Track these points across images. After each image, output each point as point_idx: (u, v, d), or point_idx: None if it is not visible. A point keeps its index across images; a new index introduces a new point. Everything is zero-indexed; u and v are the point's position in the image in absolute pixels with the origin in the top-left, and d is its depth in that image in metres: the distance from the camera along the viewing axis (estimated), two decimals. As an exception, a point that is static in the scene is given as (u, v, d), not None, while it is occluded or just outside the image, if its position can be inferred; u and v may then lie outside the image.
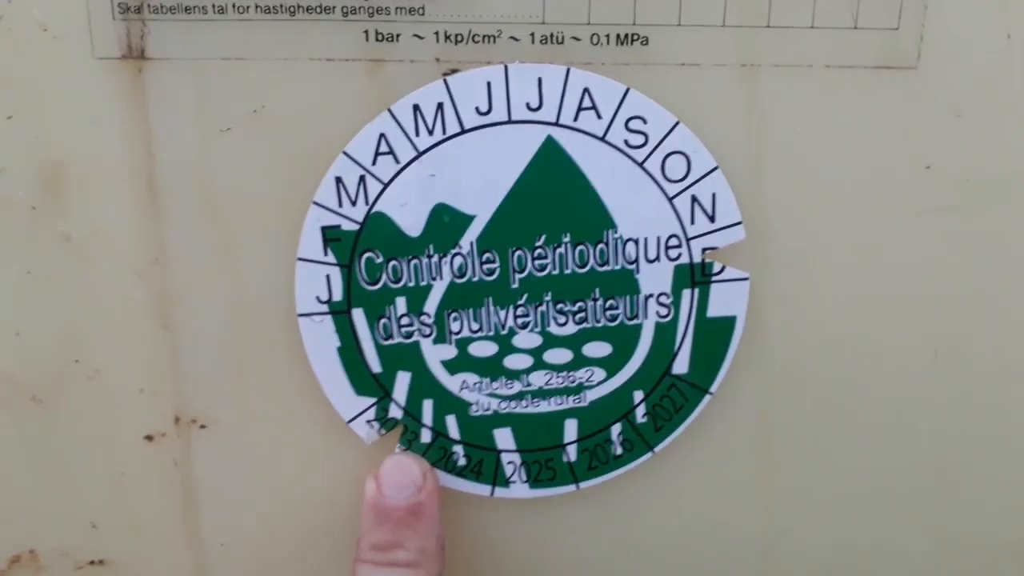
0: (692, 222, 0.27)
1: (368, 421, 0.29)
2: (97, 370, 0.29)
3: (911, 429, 0.30)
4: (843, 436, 0.30)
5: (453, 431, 0.29)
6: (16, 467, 0.31)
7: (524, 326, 0.28)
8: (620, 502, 0.30)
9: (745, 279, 0.28)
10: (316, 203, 0.27)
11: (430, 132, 0.26)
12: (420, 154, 0.27)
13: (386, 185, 0.27)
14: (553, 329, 0.28)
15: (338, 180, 0.27)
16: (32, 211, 0.28)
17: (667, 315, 0.28)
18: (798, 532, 0.31)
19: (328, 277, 0.28)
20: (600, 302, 0.28)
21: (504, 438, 0.29)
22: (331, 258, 0.27)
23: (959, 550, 0.32)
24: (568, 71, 0.26)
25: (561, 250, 0.28)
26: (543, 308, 0.28)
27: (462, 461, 0.30)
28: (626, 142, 0.27)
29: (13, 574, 0.33)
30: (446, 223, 0.27)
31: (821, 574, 0.32)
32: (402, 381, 0.29)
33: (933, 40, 0.26)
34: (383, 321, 0.28)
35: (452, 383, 0.29)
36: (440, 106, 0.26)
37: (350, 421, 0.29)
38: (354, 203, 0.27)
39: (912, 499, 0.31)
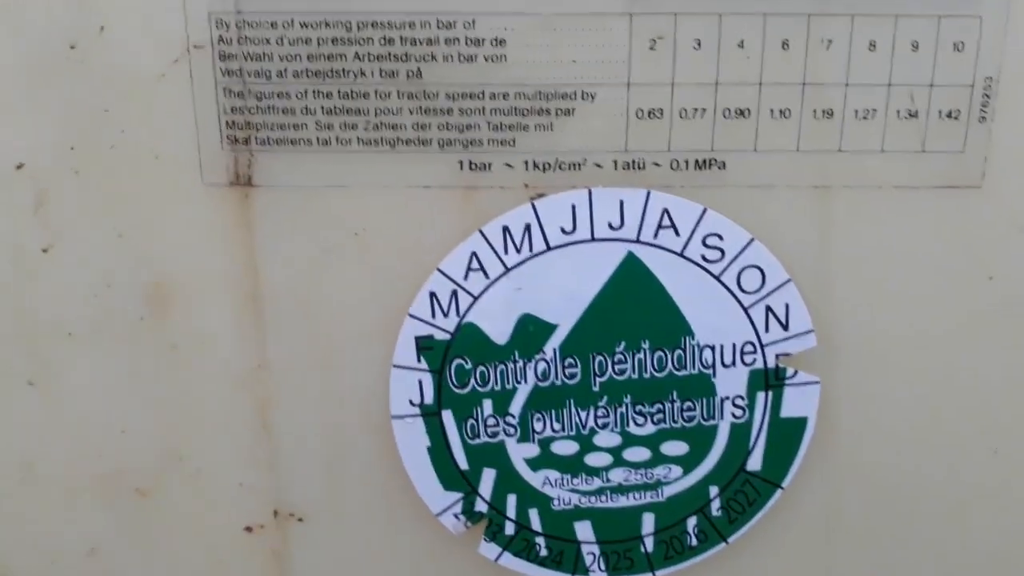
0: (767, 330, 0.29)
1: (455, 515, 0.31)
2: (199, 467, 0.31)
3: (971, 524, 0.31)
4: (906, 529, 0.31)
5: (535, 524, 0.31)
6: (119, 556, 0.33)
7: (604, 426, 0.30)
8: (695, 590, 0.32)
9: (816, 383, 0.29)
10: (412, 315, 0.28)
11: (518, 250, 0.28)
12: (508, 270, 0.28)
13: (476, 298, 0.28)
14: (632, 429, 0.30)
15: (432, 295, 0.28)
16: (140, 321, 0.30)
17: (742, 416, 0.30)
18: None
19: (420, 382, 0.29)
20: (677, 404, 0.30)
21: (584, 530, 0.31)
22: (424, 365, 0.29)
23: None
24: (648, 193, 0.28)
25: (640, 356, 0.29)
26: (623, 409, 0.30)
27: (544, 552, 0.31)
28: (703, 257, 0.28)
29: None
30: (531, 332, 0.29)
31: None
32: (488, 477, 0.30)
33: (996, 162, 0.27)
34: (471, 422, 0.30)
35: (535, 479, 0.30)
36: (528, 227, 0.28)
37: (439, 515, 0.31)
38: (446, 315, 0.29)
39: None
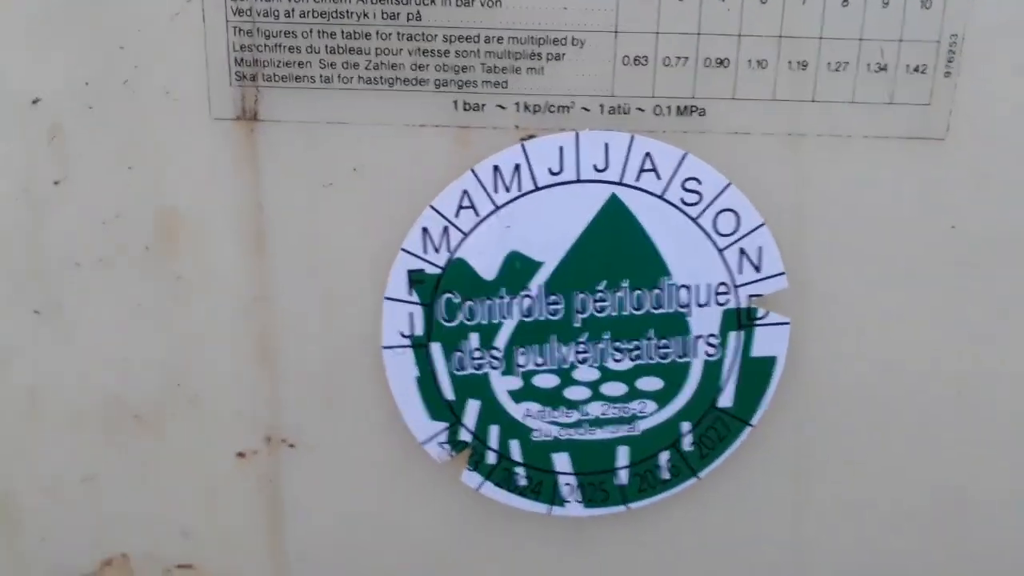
0: (740, 272, 0.30)
1: (440, 443, 0.32)
2: (197, 394, 0.32)
3: (934, 460, 0.33)
4: (871, 465, 0.33)
5: (516, 454, 0.32)
6: (115, 479, 0.34)
7: (584, 361, 0.31)
8: (666, 522, 0.33)
9: (786, 323, 0.31)
10: (404, 249, 0.30)
11: (507, 189, 0.30)
12: (498, 208, 0.30)
13: (466, 235, 0.30)
14: (610, 365, 0.31)
15: (424, 230, 0.30)
16: (146, 251, 0.31)
17: (715, 354, 0.31)
18: (827, 553, 0.34)
19: (411, 314, 0.31)
20: (654, 341, 0.31)
21: (562, 462, 0.32)
22: (415, 298, 0.31)
23: (976, 571, 0.34)
24: (632, 137, 0.29)
25: (620, 294, 0.31)
26: (602, 346, 0.31)
27: (523, 481, 0.33)
28: (682, 200, 0.30)
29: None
30: (518, 269, 0.30)
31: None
32: (472, 408, 0.32)
33: (960, 115, 0.29)
34: (457, 354, 0.31)
35: (517, 411, 0.32)
36: (517, 167, 0.29)
37: (424, 443, 0.32)
38: (438, 250, 0.30)
39: (933, 523, 0.34)
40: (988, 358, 0.31)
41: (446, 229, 0.30)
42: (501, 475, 0.33)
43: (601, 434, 0.32)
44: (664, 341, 0.31)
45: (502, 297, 0.31)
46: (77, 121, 0.30)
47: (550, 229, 0.30)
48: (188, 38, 0.29)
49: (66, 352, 0.32)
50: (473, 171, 0.29)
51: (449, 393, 0.32)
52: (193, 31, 0.28)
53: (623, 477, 0.33)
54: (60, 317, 0.32)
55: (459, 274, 0.30)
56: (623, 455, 0.33)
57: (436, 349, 0.31)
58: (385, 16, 0.28)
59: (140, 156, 0.30)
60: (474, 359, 0.31)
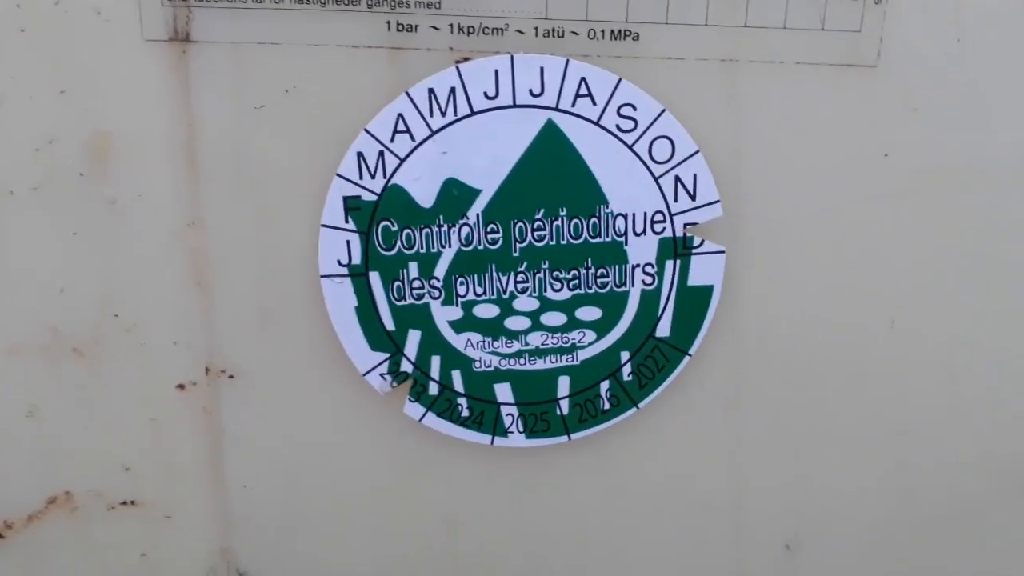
0: (675, 200, 0.31)
1: (381, 374, 0.32)
2: (135, 324, 0.32)
3: (870, 390, 0.33)
4: (807, 395, 0.33)
5: (458, 385, 0.32)
6: (54, 414, 0.34)
7: (523, 291, 0.32)
8: (607, 452, 0.34)
9: (722, 252, 0.31)
10: (339, 175, 0.30)
11: (443, 113, 0.29)
12: (433, 133, 0.30)
13: (402, 160, 0.30)
14: (549, 294, 0.32)
15: (359, 155, 0.30)
16: (80, 177, 0.31)
17: (652, 283, 0.31)
18: (764, 481, 0.34)
19: (348, 243, 0.31)
20: (592, 271, 0.31)
21: (504, 392, 0.33)
22: (351, 225, 0.30)
23: (912, 503, 0.35)
24: (567, 62, 0.29)
25: (558, 223, 0.31)
26: (541, 275, 0.31)
27: (465, 412, 0.33)
28: (618, 126, 0.30)
29: (49, 514, 0.35)
30: (455, 196, 0.30)
31: (784, 519, 0.35)
32: (413, 338, 0.32)
33: (891, 42, 0.29)
34: (396, 284, 0.31)
35: (458, 341, 0.32)
36: (452, 90, 0.29)
37: (365, 374, 0.32)
38: (373, 176, 0.30)
39: (870, 454, 0.34)
40: (920, 284, 0.32)
41: (381, 154, 0.30)
42: (443, 406, 0.33)
43: (542, 364, 0.32)
44: (602, 270, 0.31)
45: (440, 225, 0.31)
46: (8, 45, 0.29)
47: (487, 155, 0.30)
48: (119, -42, 0.28)
49: (1, 283, 0.32)
50: (408, 94, 0.29)
51: (389, 323, 0.32)
52: (124, -49, 0.28)
53: (564, 407, 0.33)
54: (-5, 248, 0.32)
55: (396, 201, 0.30)
56: (564, 385, 0.33)
57: (375, 278, 0.31)
58: (318, -64, 0.28)
59: (72, 80, 0.30)
60: (414, 289, 0.31)
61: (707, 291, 0.32)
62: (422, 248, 0.31)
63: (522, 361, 0.32)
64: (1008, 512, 0.35)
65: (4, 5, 0.29)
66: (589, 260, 0.31)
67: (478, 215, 0.31)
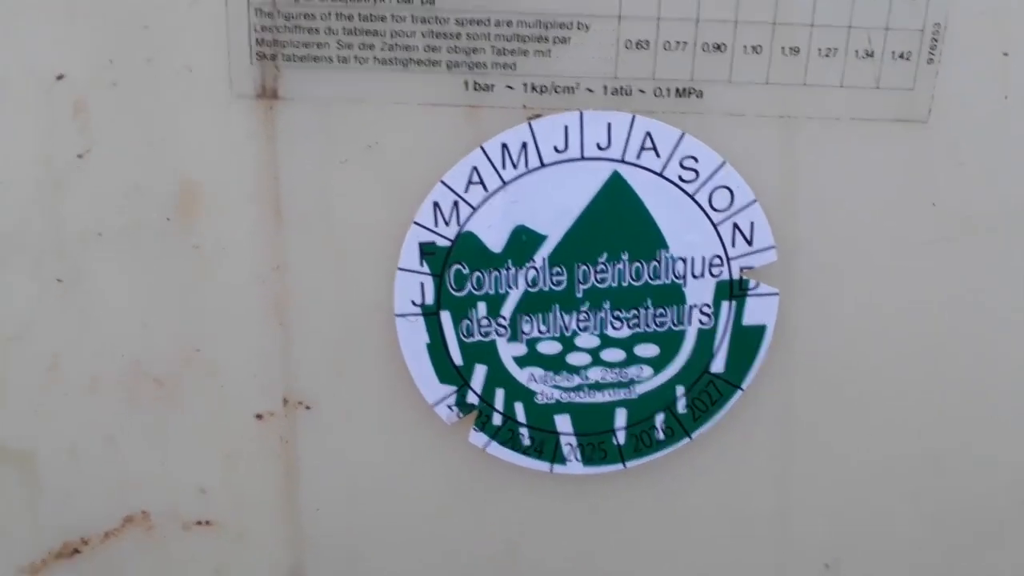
0: (733, 245, 0.32)
1: (449, 406, 0.34)
2: (216, 358, 0.34)
3: (913, 426, 0.35)
4: (854, 430, 0.35)
5: (520, 416, 0.34)
6: (135, 440, 0.35)
7: (585, 329, 0.33)
8: (660, 480, 0.36)
9: (775, 294, 0.33)
10: (416, 223, 0.32)
11: (514, 166, 0.31)
12: (505, 184, 0.31)
13: (475, 209, 0.32)
14: (610, 332, 0.33)
15: (435, 204, 0.31)
16: (166, 222, 0.32)
17: (708, 323, 0.33)
18: (806, 506, 0.36)
19: (422, 284, 0.32)
20: (651, 310, 0.33)
21: (563, 423, 0.34)
22: (426, 269, 0.32)
23: (946, 527, 0.37)
24: (633, 117, 0.31)
25: (620, 266, 0.33)
26: (602, 314, 0.33)
27: (527, 441, 0.35)
28: (680, 177, 0.31)
29: (125, 531, 0.37)
30: (524, 241, 0.32)
31: (824, 541, 0.37)
32: (479, 373, 0.34)
33: (942, 100, 0.31)
34: (466, 322, 0.33)
35: (521, 375, 0.34)
36: (524, 145, 0.31)
37: (434, 405, 0.34)
38: (448, 224, 0.32)
39: (907, 481, 0.36)
40: (964, 326, 0.34)
41: (456, 204, 0.31)
42: (506, 435, 0.35)
43: (600, 397, 0.34)
44: (660, 310, 0.33)
45: (508, 268, 0.32)
46: (101, 97, 0.31)
47: (554, 204, 0.32)
48: (210, 18, 0.30)
49: (87, 319, 0.34)
50: (482, 148, 0.31)
51: (458, 358, 0.33)
52: (215, 11, 0.30)
53: (621, 437, 0.35)
54: (82, 285, 0.33)
55: (468, 246, 0.32)
56: (621, 417, 0.34)
57: (446, 317, 0.33)
58: (399, 0, 0.29)
59: (162, 131, 0.31)
60: (481, 327, 0.33)
61: (760, 330, 0.33)
62: (491, 289, 0.33)
63: (582, 394, 0.34)
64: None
65: (96, 59, 0.31)
66: (649, 300, 0.33)
67: (544, 259, 0.32)
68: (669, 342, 0.33)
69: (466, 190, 0.31)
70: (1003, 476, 0.36)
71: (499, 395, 0.34)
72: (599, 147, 0.31)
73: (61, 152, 0.32)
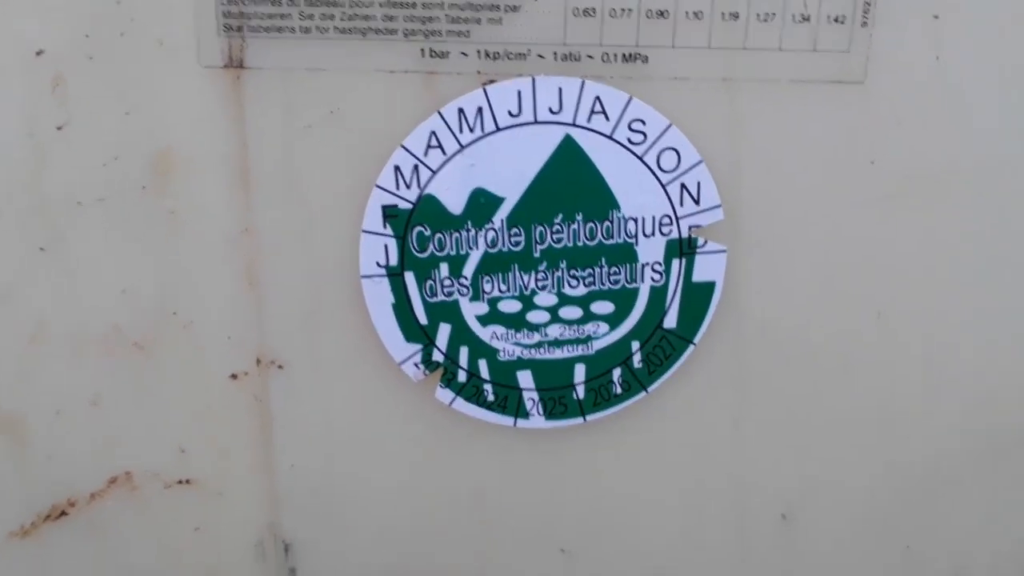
0: (681, 205, 0.34)
1: (415, 364, 0.36)
2: (191, 320, 0.36)
3: (858, 375, 0.36)
4: (802, 379, 0.36)
5: (484, 372, 0.36)
6: (117, 402, 0.37)
7: (543, 288, 0.35)
8: (619, 432, 0.37)
9: (723, 251, 0.34)
10: (378, 186, 0.33)
11: (471, 130, 0.33)
12: (463, 148, 0.33)
13: (435, 172, 0.33)
14: (567, 291, 0.35)
15: (396, 168, 0.33)
16: (142, 190, 0.34)
17: (660, 280, 0.35)
18: (763, 460, 0.38)
19: (386, 246, 0.34)
20: (605, 269, 0.35)
21: (525, 379, 0.36)
22: (389, 231, 0.34)
23: (896, 475, 0.38)
24: (583, 82, 0.32)
25: (575, 227, 0.34)
26: (559, 273, 0.35)
27: (491, 397, 0.36)
28: (629, 140, 0.33)
29: (110, 492, 0.39)
30: (482, 204, 0.34)
31: (780, 492, 0.38)
32: (444, 331, 0.35)
33: (877, 61, 0.32)
34: (429, 283, 0.34)
35: (484, 333, 0.35)
36: (480, 109, 0.32)
37: (401, 363, 0.35)
38: (409, 187, 0.33)
39: (857, 431, 0.37)
40: (905, 281, 0.35)
41: (416, 167, 0.33)
42: (471, 391, 0.36)
43: (560, 353, 0.36)
44: (614, 269, 0.35)
45: (468, 230, 0.34)
46: (78, 71, 0.32)
47: (511, 167, 0.33)
48: (179, -7, 0.31)
49: (69, 285, 0.35)
50: (440, 113, 0.32)
51: (422, 318, 0.35)
52: (183, -15, 0.31)
53: (580, 392, 0.36)
54: (64, 252, 0.35)
55: (429, 209, 0.34)
56: (580, 372, 0.36)
57: (410, 278, 0.34)
58: (358, -28, 0.31)
59: (136, 102, 0.33)
60: (444, 287, 0.35)
61: (710, 287, 0.35)
62: (452, 250, 0.34)
63: (542, 351, 0.36)
64: (982, 480, 0.38)
65: (73, 34, 0.32)
66: (603, 260, 0.34)
67: (503, 220, 0.34)
68: (623, 299, 0.35)
69: (425, 154, 0.33)
70: (946, 423, 0.37)
71: (463, 353, 0.36)
72: (551, 111, 0.33)
73: (42, 125, 0.33)
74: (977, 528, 0.39)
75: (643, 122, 0.33)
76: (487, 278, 0.35)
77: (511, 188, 0.33)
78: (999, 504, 0.39)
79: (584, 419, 0.37)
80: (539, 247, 0.34)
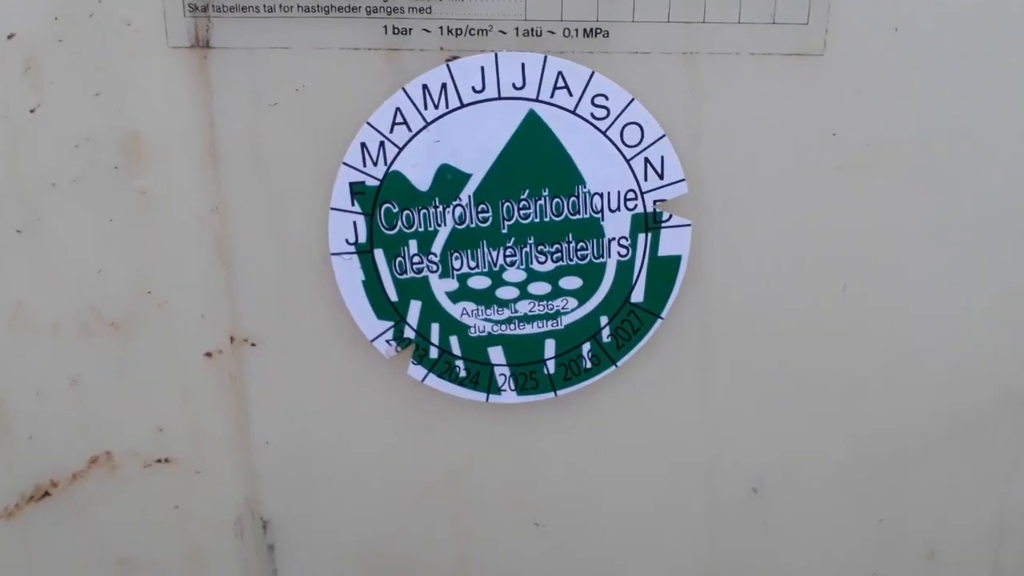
0: (645, 179, 0.34)
1: (387, 340, 0.36)
2: (166, 300, 0.36)
3: (825, 346, 0.37)
4: (769, 352, 0.37)
5: (456, 349, 0.36)
6: (95, 383, 0.38)
7: (512, 264, 0.35)
8: (590, 406, 0.37)
9: (688, 225, 0.35)
10: (345, 163, 0.34)
11: (436, 106, 0.33)
12: (428, 124, 0.33)
13: (401, 149, 0.34)
14: (535, 266, 0.35)
15: (363, 145, 0.33)
16: (114, 170, 0.34)
17: (626, 255, 0.35)
18: (731, 430, 0.38)
19: (355, 223, 0.34)
20: (573, 244, 0.35)
21: (496, 354, 0.36)
22: (357, 208, 0.34)
23: (864, 448, 0.39)
24: (546, 58, 0.33)
25: (541, 202, 0.34)
26: (527, 249, 0.35)
27: (463, 373, 0.37)
28: (592, 115, 0.33)
29: (91, 472, 0.40)
30: (449, 180, 0.34)
31: (751, 465, 0.39)
32: (414, 308, 0.36)
33: (836, 33, 0.32)
34: (399, 260, 0.35)
35: (454, 310, 0.36)
36: (444, 86, 0.33)
37: (372, 340, 0.36)
38: (375, 164, 0.34)
39: (825, 404, 0.38)
40: (868, 251, 0.35)
41: (382, 144, 0.33)
42: (443, 367, 0.37)
43: (530, 329, 0.36)
44: (582, 244, 0.35)
45: (436, 206, 0.34)
46: (49, 53, 0.33)
47: (476, 143, 0.34)
48: (145, -26, 0.32)
49: (46, 266, 0.36)
50: (404, 90, 0.33)
51: (393, 295, 0.35)
52: (149, -32, 0.32)
53: (551, 367, 0.37)
54: (39, 234, 0.35)
55: (396, 185, 0.34)
56: (550, 347, 0.36)
57: (379, 255, 0.35)
58: (320, -49, 0.31)
59: (106, 84, 0.33)
60: (414, 264, 0.35)
61: (676, 260, 0.35)
62: (420, 227, 0.35)
63: (512, 327, 0.36)
64: (951, 453, 0.39)
65: (43, 18, 0.33)
66: (570, 235, 0.35)
67: (470, 197, 0.34)
68: (591, 274, 0.35)
69: (391, 131, 0.33)
70: (912, 397, 0.38)
71: (435, 329, 0.36)
72: (515, 87, 0.33)
73: (14, 107, 0.34)
74: (948, 500, 0.40)
75: (606, 97, 0.33)
76: (456, 254, 0.35)
77: (477, 164, 0.34)
78: (969, 477, 0.39)
79: (555, 394, 0.37)
80: (507, 223, 0.35)
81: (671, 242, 0.35)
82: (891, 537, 0.40)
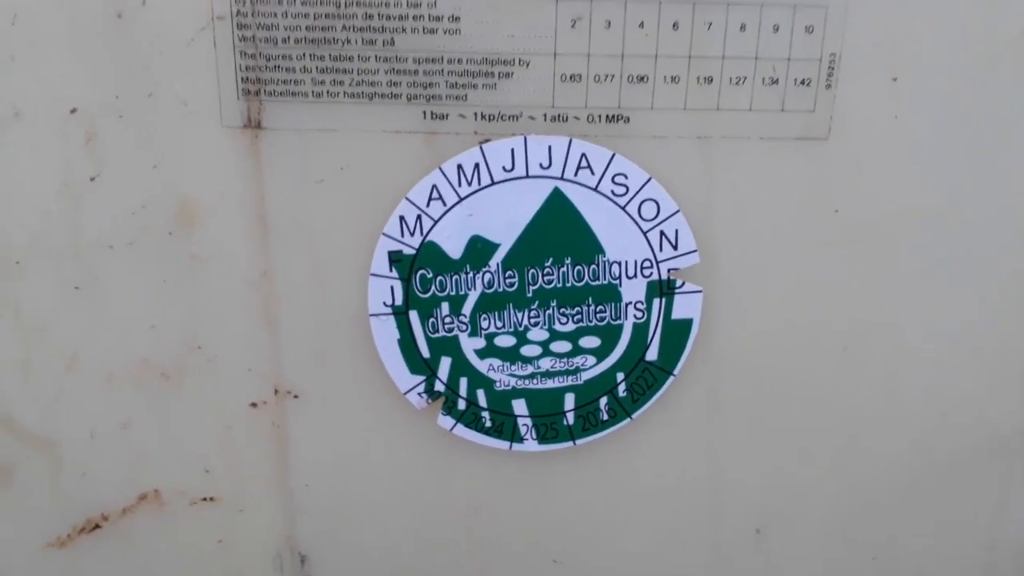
0: (661, 250, 0.37)
1: (419, 393, 0.39)
2: (215, 355, 0.39)
3: (825, 404, 0.40)
4: (773, 407, 0.39)
5: (482, 401, 0.39)
6: (147, 428, 0.40)
7: (536, 324, 0.38)
8: (606, 455, 0.40)
9: (699, 291, 0.38)
10: (385, 234, 0.36)
11: (469, 184, 0.36)
12: (461, 199, 0.36)
13: (436, 221, 0.36)
14: (557, 327, 0.38)
15: (401, 218, 0.36)
16: (168, 236, 0.37)
17: (642, 317, 0.38)
18: (736, 477, 0.41)
19: (392, 288, 0.37)
20: (592, 307, 0.38)
21: (520, 407, 0.39)
22: (395, 274, 0.37)
23: (860, 492, 0.41)
24: (571, 141, 0.35)
25: (564, 269, 0.37)
26: (550, 311, 0.38)
27: (488, 423, 0.39)
28: (612, 191, 0.36)
29: (140, 507, 0.42)
30: (479, 249, 0.37)
31: (754, 509, 0.42)
32: (445, 364, 0.38)
33: (840, 120, 0.35)
34: (431, 320, 0.38)
35: (482, 366, 0.38)
36: (477, 165, 0.36)
37: (405, 393, 0.39)
38: (412, 234, 0.36)
39: (824, 453, 0.41)
40: (867, 318, 0.38)
41: (419, 217, 0.36)
42: (470, 418, 0.39)
43: (551, 383, 0.39)
44: (600, 307, 0.38)
45: (467, 272, 0.37)
46: (109, 127, 0.36)
47: (505, 216, 0.36)
48: (202, 59, 0.34)
49: (102, 321, 0.38)
50: (441, 169, 0.36)
51: (425, 352, 0.38)
52: (206, 53, 0.34)
53: (570, 419, 0.39)
54: (96, 291, 0.38)
55: (431, 254, 0.37)
56: (570, 400, 0.39)
57: (414, 316, 0.38)
58: (364, 42, 0.34)
59: (162, 157, 0.36)
60: (445, 324, 0.38)
61: (688, 323, 0.38)
62: (452, 291, 0.37)
63: (535, 381, 0.39)
64: (940, 494, 0.41)
65: (105, 94, 0.35)
66: (590, 299, 0.38)
67: (498, 264, 0.37)
68: (609, 335, 0.38)
69: (427, 205, 0.36)
70: (904, 446, 0.40)
71: (463, 383, 0.39)
72: (542, 166, 0.36)
73: (76, 175, 0.36)
74: (937, 539, 0.42)
75: (625, 176, 0.36)
76: (484, 316, 0.38)
77: (506, 235, 0.37)
78: (957, 517, 0.42)
79: (574, 443, 0.40)
80: (531, 288, 0.37)
81: (683, 306, 0.38)
82: (885, 574, 0.43)
